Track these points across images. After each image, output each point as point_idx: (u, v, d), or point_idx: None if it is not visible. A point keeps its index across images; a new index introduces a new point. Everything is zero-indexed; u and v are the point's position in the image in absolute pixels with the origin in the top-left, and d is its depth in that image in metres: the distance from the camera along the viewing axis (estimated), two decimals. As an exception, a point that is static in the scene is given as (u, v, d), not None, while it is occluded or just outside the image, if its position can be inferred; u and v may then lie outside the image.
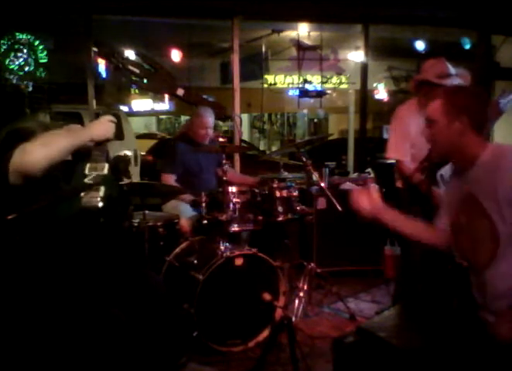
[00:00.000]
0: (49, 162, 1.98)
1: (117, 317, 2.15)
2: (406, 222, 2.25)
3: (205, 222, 3.39)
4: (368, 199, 2.22)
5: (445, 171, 3.16)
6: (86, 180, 2.23)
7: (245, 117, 16.72)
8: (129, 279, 2.35)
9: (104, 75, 5.70)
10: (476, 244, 1.86)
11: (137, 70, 2.73)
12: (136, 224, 3.29)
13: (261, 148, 16.78)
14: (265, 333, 3.10)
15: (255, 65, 8.90)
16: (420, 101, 3.26)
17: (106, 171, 2.18)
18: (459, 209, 1.92)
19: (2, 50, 5.44)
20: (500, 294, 1.82)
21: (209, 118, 4.00)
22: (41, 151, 1.96)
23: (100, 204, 2.10)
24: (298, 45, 7.84)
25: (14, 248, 2.08)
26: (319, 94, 8.41)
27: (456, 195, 1.95)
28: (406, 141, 3.24)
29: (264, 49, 8.49)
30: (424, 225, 2.23)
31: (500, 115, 3.20)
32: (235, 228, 3.33)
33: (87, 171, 2.15)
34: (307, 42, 7.76)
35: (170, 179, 3.89)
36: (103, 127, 2.24)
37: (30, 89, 5.79)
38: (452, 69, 3.12)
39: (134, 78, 2.74)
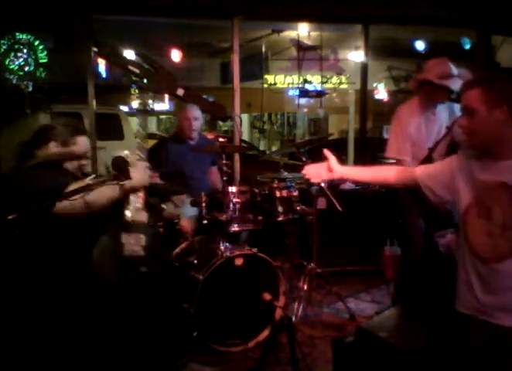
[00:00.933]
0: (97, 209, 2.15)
1: (114, 319, 2.15)
2: (362, 171, 2.24)
3: (205, 222, 3.39)
4: (320, 169, 2.19)
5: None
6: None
7: (245, 117, 16.72)
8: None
9: (104, 75, 5.70)
10: (496, 234, 1.82)
11: (137, 70, 2.73)
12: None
13: (261, 148, 16.76)
14: (265, 333, 3.10)
15: (255, 65, 8.90)
16: (421, 101, 3.26)
17: (146, 219, 2.26)
18: (488, 196, 1.85)
19: (2, 50, 5.44)
20: None
21: (192, 110, 4.00)
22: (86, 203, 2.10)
23: (142, 253, 2.14)
24: (298, 45, 7.84)
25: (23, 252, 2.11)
26: (319, 94, 8.41)
27: (481, 183, 1.88)
28: (406, 141, 3.24)
29: (264, 49, 8.48)
30: (379, 168, 2.27)
31: None
32: (235, 228, 3.33)
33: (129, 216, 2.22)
34: (307, 42, 7.76)
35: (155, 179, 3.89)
36: (141, 175, 2.25)
37: (30, 89, 5.79)
38: (454, 70, 3.12)
39: (134, 78, 2.74)
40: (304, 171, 2.23)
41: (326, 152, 2.19)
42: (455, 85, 3.06)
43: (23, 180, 2.28)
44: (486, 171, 1.89)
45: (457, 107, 3.15)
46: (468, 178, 1.94)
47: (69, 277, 2.17)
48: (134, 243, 2.18)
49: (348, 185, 4.68)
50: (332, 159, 2.17)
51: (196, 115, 4.01)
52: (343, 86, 9.77)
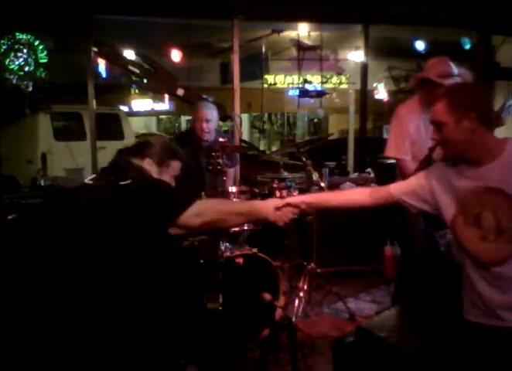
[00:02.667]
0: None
1: (130, 321, 2.15)
2: (330, 197, 2.33)
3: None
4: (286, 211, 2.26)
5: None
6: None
7: (245, 117, 16.70)
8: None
9: (104, 75, 5.70)
10: (490, 238, 1.82)
11: (137, 70, 2.73)
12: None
13: (261, 148, 16.74)
14: (265, 333, 3.10)
15: (255, 65, 8.90)
16: (421, 100, 3.26)
17: None
18: (474, 202, 1.85)
19: (2, 50, 5.44)
20: None
21: (206, 111, 3.77)
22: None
23: None
24: (298, 45, 7.84)
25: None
26: (319, 94, 8.40)
27: (462, 191, 1.89)
28: (406, 140, 3.24)
29: (264, 49, 8.48)
30: (348, 192, 2.37)
31: (501, 123, 3.21)
32: (235, 228, 3.33)
33: None
34: (307, 42, 7.75)
35: None
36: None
37: (30, 89, 5.79)
38: (454, 69, 3.12)
39: (134, 78, 2.74)
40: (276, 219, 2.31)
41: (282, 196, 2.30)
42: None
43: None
44: (465, 178, 1.90)
45: None
46: (447, 188, 1.95)
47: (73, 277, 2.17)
48: None
49: (348, 185, 4.68)
50: (292, 199, 2.29)
51: (208, 116, 3.74)
52: (343, 86, 9.76)
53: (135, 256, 2.13)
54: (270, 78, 9.92)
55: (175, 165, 2.42)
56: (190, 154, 3.92)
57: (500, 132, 3.15)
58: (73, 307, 2.10)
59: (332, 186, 4.47)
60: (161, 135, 2.76)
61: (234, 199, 3.34)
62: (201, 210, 2.09)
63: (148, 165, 2.32)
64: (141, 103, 14.06)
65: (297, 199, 2.31)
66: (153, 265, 2.18)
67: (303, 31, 7.14)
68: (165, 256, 2.23)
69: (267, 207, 2.30)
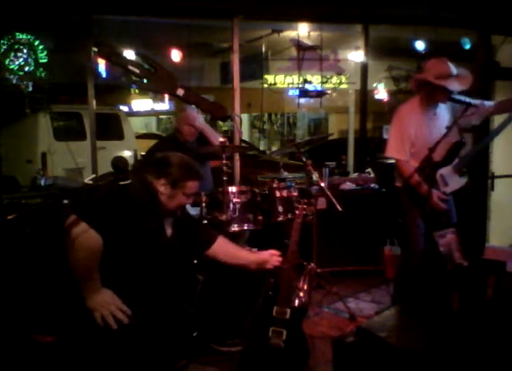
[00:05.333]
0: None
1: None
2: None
3: (205, 222, 3.39)
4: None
5: (446, 171, 3.17)
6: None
7: (245, 117, 16.70)
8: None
9: (104, 75, 5.70)
10: None
11: (137, 70, 2.73)
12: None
13: (261, 148, 16.73)
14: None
15: (255, 65, 8.89)
16: (421, 101, 3.26)
17: None
18: None
19: (2, 50, 5.43)
20: None
21: (196, 115, 3.94)
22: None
23: None
24: (298, 45, 7.83)
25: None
26: (319, 94, 8.40)
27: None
28: (406, 141, 3.24)
29: (264, 49, 8.48)
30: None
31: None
32: (235, 228, 3.34)
33: None
34: (307, 42, 7.74)
35: None
36: (101, 302, 2.11)
37: (30, 89, 5.78)
38: (453, 70, 3.12)
39: (134, 78, 2.74)
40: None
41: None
42: (454, 85, 3.07)
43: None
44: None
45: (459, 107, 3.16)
46: None
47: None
48: None
49: (348, 185, 4.68)
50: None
51: (195, 121, 3.92)
52: (343, 86, 9.75)
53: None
54: (270, 78, 9.91)
55: (192, 185, 2.41)
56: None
57: (499, 141, 3.18)
58: (72, 306, 2.10)
59: (332, 186, 4.47)
60: (181, 155, 2.77)
61: (234, 199, 3.34)
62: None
63: (163, 186, 2.34)
64: (141, 103, 14.06)
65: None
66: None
67: (303, 31, 7.13)
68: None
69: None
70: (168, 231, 2.45)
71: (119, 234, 2.16)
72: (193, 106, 4.03)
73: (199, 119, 3.98)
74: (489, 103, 3.37)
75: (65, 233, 2.06)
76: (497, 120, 4.49)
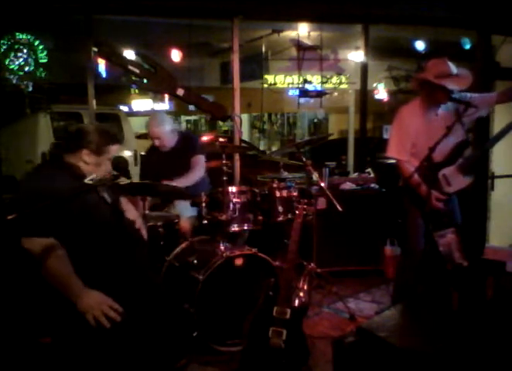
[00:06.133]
0: None
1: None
2: None
3: (205, 222, 3.39)
4: None
5: (449, 170, 3.17)
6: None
7: (245, 117, 16.70)
8: (129, 279, 2.34)
9: (104, 75, 5.69)
10: None
11: (137, 70, 2.73)
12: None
13: (261, 148, 16.73)
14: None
15: (255, 65, 8.90)
16: (422, 101, 3.26)
17: None
18: None
19: (2, 50, 5.44)
20: None
21: (153, 129, 3.85)
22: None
23: None
24: (298, 45, 7.84)
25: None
26: (319, 94, 8.41)
27: None
28: (407, 141, 3.24)
29: (264, 49, 8.48)
30: None
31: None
32: (235, 228, 3.33)
33: None
34: (307, 42, 7.75)
35: None
36: (91, 303, 2.09)
37: (30, 89, 5.79)
38: (453, 69, 3.12)
39: (134, 78, 2.74)
40: None
41: None
42: (453, 84, 3.06)
43: (25, 180, 2.27)
44: None
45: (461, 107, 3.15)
46: None
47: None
48: None
49: (348, 185, 4.68)
50: None
51: (155, 134, 3.85)
52: (343, 86, 9.76)
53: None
54: (270, 78, 9.91)
55: (115, 149, 2.38)
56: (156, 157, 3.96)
57: (500, 147, 3.19)
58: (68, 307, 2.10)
59: (332, 186, 4.47)
60: (93, 123, 2.70)
61: (234, 199, 3.34)
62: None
63: (86, 157, 2.29)
64: (141, 103, 14.05)
65: None
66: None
67: (303, 31, 7.14)
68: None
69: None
70: (109, 199, 2.42)
71: (70, 226, 2.16)
72: (158, 117, 3.94)
73: (160, 131, 3.85)
74: (490, 94, 3.38)
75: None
76: (497, 118, 4.50)
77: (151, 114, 3.95)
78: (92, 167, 2.31)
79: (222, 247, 3.20)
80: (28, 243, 2.10)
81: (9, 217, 1.81)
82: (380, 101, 9.44)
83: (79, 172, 2.29)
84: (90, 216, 2.26)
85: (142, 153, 9.17)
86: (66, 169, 2.28)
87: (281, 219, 3.51)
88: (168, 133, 3.88)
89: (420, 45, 6.20)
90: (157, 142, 3.89)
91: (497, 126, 4.44)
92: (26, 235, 2.10)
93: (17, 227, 2.05)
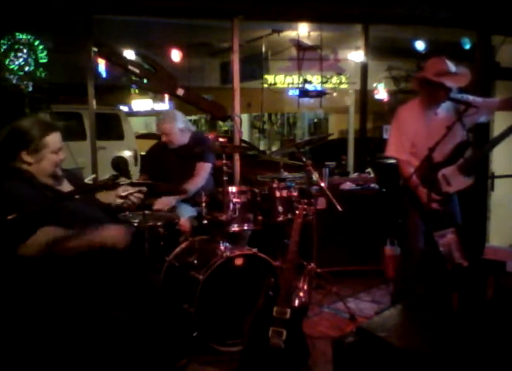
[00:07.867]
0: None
1: (120, 319, 2.15)
2: None
3: (205, 222, 3.39)
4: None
5: (448, 170, 3.17)
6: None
7: (245, 117, 16.71)
8: (129, 280, 2.35)
9: (104, 75, 5.69)
10: None
11: (137, 70, 2.72)
12: (136, 224, 3.29)
13: (261, 148, 16.74)
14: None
15: (255, 65, 8.90)
16: (422, 101, 3.26)
17: None
18: None
19: (2, 50, 5.43)
20: None
21: (163, 125, 3.89)
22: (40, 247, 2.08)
23: None
24: (298, 45, 7.84)
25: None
26: (319, 94, 8.41)
27: None
28: (406, 141, 3.25)
29: (264, 49, 8.48)
30: None
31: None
32: (235, 228, 3.33)
33: None
34: (307, 42, 7.75)
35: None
36: (115, 235, 2.19)
37: (30, 89, 5.79)
38: (452, 67, 3.12)
39: (134, 78, 2.73)
40: None
41: None
42: (452, 82, 3.07)
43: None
44: None
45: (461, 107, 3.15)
46: None
47: (74, 280, 2.17)
48: None
49: (348, 185, 4.68)
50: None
51: (165, 131, 3.89)
52: (343, 86, 9.77)
53: None
54: (270, 78, 9.92)
55: (53, 139, 2.29)
56: (163, 156, 3.96)
57: (500, 147, 3.19)
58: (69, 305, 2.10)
59: (332, 186, 4.47)
60: (26, 118, 2.63)
61: (234, 199, 3.34)
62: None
63: (27, 157, 2.22)
64: (141, 103, 14.06)
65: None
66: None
67: (303, 31, 7.13)
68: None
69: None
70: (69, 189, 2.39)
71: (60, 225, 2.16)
72: (170, 114, 3.97)
73: (170, 128, 3.88)
74: (493, 99, 3.38)
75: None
76: (498, 119, 4.50)
77: (163, 112, 3.96)
78: (35, 165, 2.24)
79: (222, 247, 3.20)
80: (24, 249, 2.08)
81: (9, 217, 1.82)
82: (380, 101, 9.45)
83: (27, 176, 2.23)
84: (76, 215, 2.25)
85: (142, 153, 9.18)
86: (14, 176, 2.21)
87: (281, 219, 3.51)
88: (177, 130, 3.90)
89: (420, 46, 6.20)
90: (164, 137, 3.91)
91: (497, 126, 4.44)
92: (20, 241, 2.07)
93: (8, 238, 2.05)
